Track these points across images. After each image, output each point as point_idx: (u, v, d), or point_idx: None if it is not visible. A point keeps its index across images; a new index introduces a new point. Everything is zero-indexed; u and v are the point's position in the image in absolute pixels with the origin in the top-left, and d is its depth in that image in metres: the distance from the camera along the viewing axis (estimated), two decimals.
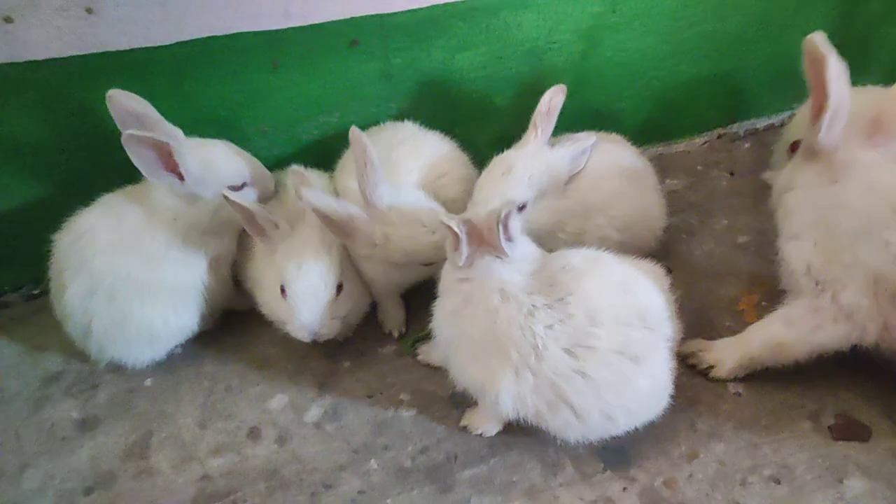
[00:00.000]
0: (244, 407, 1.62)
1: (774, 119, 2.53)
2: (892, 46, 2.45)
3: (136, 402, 1.64)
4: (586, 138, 1.74)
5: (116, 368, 1.68)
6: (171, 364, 1.71)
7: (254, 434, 1.56)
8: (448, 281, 1.39)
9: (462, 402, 1.57)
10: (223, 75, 1.69)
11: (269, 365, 1.73)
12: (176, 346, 1.71)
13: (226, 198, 1.49)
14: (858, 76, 1.43)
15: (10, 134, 1.55)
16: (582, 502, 1.36)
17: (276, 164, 1.84)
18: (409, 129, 1.85)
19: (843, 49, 1.37)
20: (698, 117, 2.43)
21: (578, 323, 1.27)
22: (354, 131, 1.47)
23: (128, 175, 1.62)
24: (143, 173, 1.45)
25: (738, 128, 2.53)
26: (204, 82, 1.68)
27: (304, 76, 1.78)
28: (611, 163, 1.75)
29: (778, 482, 1.37)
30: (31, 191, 1.68)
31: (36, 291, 1.87)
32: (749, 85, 2.41)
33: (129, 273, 1.55)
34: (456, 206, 1.71)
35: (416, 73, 1.89)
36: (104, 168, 1.66)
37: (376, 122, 1.92)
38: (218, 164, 1.58)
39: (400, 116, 1.91)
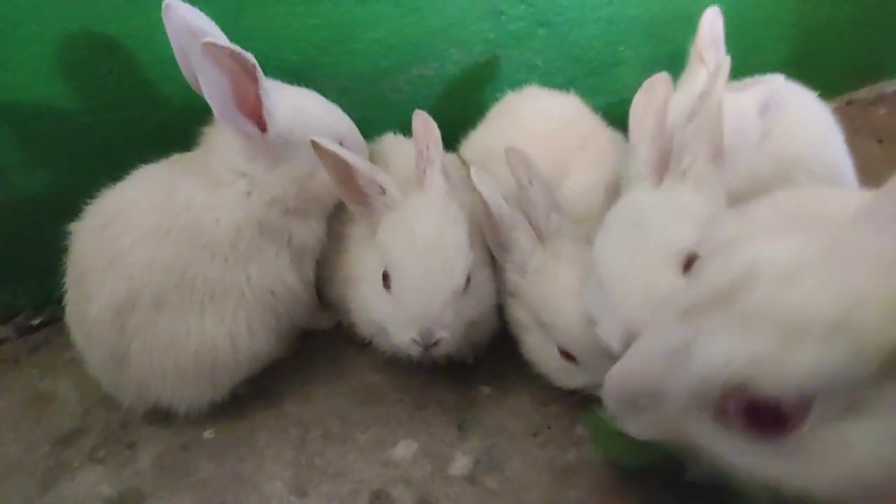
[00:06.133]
0: (355, 460, 1.12)
1: None
2: None
3: (195, 465, 1.12)
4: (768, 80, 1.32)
5: (160, 418, 1.18)
6: (237, 407, 1.20)
7: (381, 499, 1.05)
8: None
9: None
10: (295, 5, 1.25)
11: (376, 399, 1.23)
12: (241, 384, 1.20)
13: (313, 143, 1.03)
14: None
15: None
16: None
17: None
18: None
19: None
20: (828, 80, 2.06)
21: None
22: None
23: (172, 146, 1.17)
24: (215, 112, 0.98)
25: (868, 93, 2.16)
26: (271, 15, 1.24)
27: (397, 8, 1.34)
28: (801, 105, 1.34)
29: None
30: (37, 175, 1.19)
31: (35, 322, 1.36)
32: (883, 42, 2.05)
33: (185, 273, 1.06)
34: None
35: (532, 9, 1.47)
36: (139, 138, 1.19)
37: (481, 81, 1.48)
38: (311, 112, 1.12)
39: (510, 68, 1.49)
